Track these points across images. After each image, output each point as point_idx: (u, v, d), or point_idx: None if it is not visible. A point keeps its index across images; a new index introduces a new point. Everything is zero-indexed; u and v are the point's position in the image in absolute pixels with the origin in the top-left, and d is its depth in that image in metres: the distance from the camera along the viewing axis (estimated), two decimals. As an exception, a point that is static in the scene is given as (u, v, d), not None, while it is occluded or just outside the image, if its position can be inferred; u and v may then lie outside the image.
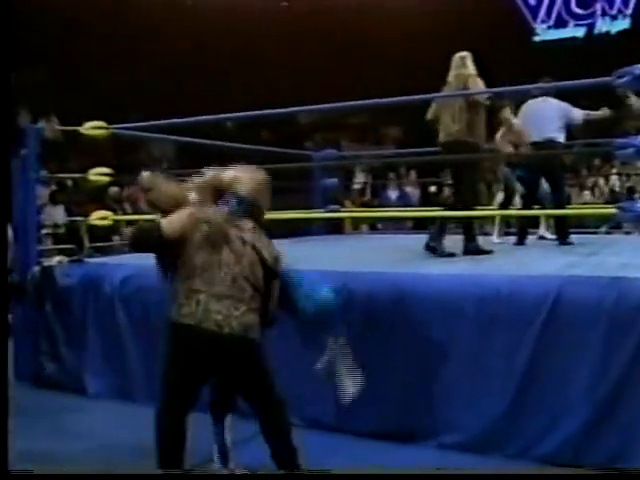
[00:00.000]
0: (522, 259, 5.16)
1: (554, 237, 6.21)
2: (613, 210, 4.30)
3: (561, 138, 6.03)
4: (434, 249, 5.20)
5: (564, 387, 3.53)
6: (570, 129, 6.12)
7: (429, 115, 5.53)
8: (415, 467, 3.00)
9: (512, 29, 13.79)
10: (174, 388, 2.99)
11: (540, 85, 5.77)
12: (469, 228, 5.36)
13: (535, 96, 6.10)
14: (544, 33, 14.27)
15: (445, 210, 5.64)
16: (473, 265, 4.70)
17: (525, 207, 6.39)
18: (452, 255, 5.17)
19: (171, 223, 3.03)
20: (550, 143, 5.94)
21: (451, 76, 5.40)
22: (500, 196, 10.43)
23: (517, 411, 3.61)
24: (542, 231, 6.85)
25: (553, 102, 6.05)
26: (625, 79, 3.57)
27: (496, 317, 3.66)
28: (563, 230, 5.94)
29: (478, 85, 5.22)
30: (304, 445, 3.78)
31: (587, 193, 10.54)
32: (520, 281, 3.80)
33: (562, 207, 6.15)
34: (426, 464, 3.52)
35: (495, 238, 6.83)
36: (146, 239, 3.07)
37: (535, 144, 6.02)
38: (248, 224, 3.08)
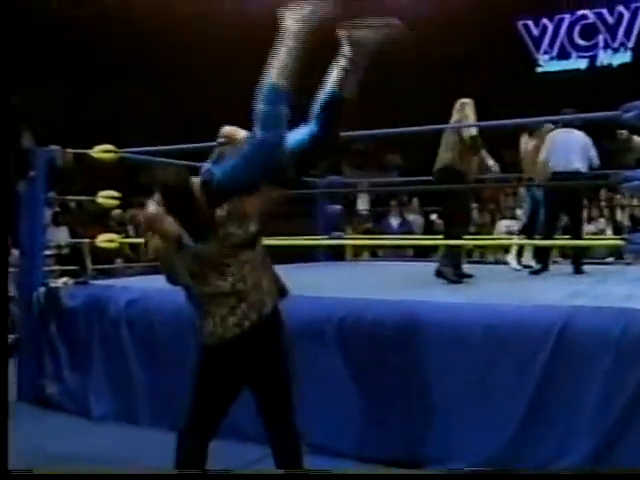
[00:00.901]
0: (529, 287, 5.19)
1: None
2: (619, 242, 4.35)
3: (585, 169, 6.11)
4: (444, 276, 5.31)
5: (571, 415, 3.54)
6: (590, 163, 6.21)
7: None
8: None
9: (516, 59, 13.90)
10: (205, 408, 2.98)
11: (550, 117, 5.82)
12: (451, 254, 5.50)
13: (569, 125, 6.19)
14: (547, 64, 14.41)
15: (443, 238, 5.78)
16: (479, 293, 4.73)
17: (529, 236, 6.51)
18: (459, 282, 5.25)
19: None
20: (575, 174, 6.01)
21: (452, 120, 5.69)
22: (502, 224, 10.53)
23: (524, 438, 3.62)
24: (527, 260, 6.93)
25: (578, 134, 6.15)
26: (632, 114, 3.63)
27: (503, 346, 3.68)
28: (579, 260, 6.12)
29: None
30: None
31: (603, 221, 10.55)
32: (527, 310, 3.83)
33: (581, 238, 6.25)
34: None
35: (514, 264, 6.88)
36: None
37: (560, 174, 6.07)
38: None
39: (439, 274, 5.38)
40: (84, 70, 12.75)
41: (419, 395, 3.88)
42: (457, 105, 5.72)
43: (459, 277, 5.47)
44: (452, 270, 5.40)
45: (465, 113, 5.61)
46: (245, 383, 3.03)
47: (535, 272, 6.15)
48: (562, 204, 6.25)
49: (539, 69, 14.62)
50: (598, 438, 3.45)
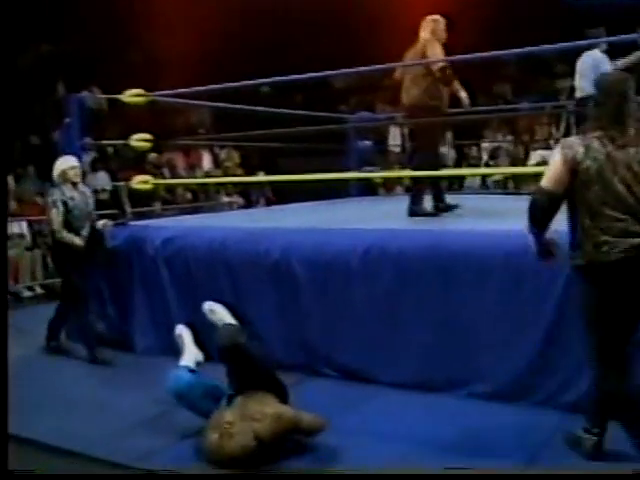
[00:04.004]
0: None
1: None
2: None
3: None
4: (416, 212, 5.35)
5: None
6: None
7: (397, 74, 5.58)
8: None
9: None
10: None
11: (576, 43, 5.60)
12: (417, 190, 5.44)
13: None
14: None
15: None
16: (500, 221, 4.79)
17: None
18: (435, 214, 5.33)
19: (551, 180, 3.00)
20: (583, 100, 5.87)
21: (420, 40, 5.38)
22: (537, 154, 10.43)
23: (543, 360, 3.75)
24: None
25: (587, 56, 5.94)
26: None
27: (523, 271, 3.77)
28: None
29: (436, 51, 5.21)
30: (339, 394, 4.01)
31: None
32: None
33: None
34: (456, 413, 3.73)
35: None
36: (543, 209, 3.02)
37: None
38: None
39: (413, 214, 5.35)
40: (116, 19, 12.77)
41: (443, 321, 4.03)
42: (423, 23, 5.38)
43: (440, 210, 5.44)
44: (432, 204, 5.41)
45: (428, 30, 5.31)
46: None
47: None
48: None
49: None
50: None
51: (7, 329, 4.07)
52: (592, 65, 5.89)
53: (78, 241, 5.02)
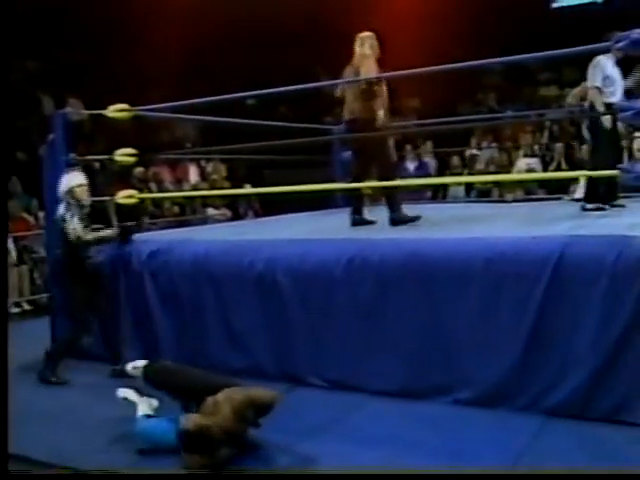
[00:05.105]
0: (533, 221, 5.27)
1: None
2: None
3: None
4: (397, 221, 5.40)
5: (569, 342, 3.69)
6: None
7: (337, 92, 5.80)
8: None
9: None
10: None
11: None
12: (392, 198, 5.53)
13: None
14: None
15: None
16: (485, 228, 4.85)
17: None
18: (417, 219, 5.37)
19: None
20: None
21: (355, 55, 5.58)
22: (522, 162, 10.49)
23: (525, 366, 3.80)
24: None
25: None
26: (622, 43, 3.67)
27: (503, 277, 3.83)
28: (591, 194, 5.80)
29: (370, 67, 5.41)
30: (326, 404, 4.05)
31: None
32: (525, 242, 3.96)
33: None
34: (442, 420, 3.77)
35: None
36: None
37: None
38: None
39: (395, 222, 5.40)
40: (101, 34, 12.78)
41: (426, 329, 4.07)
42: (358, 39, 5.58)
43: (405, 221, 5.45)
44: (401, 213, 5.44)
45: (366, 52, 5.48)
46: None
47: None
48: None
49: (555, 4, 14.29)
50: (596, 362, 3.61)
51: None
52: (591, 66, 5.70)
53: (110, 232, 5.01)
